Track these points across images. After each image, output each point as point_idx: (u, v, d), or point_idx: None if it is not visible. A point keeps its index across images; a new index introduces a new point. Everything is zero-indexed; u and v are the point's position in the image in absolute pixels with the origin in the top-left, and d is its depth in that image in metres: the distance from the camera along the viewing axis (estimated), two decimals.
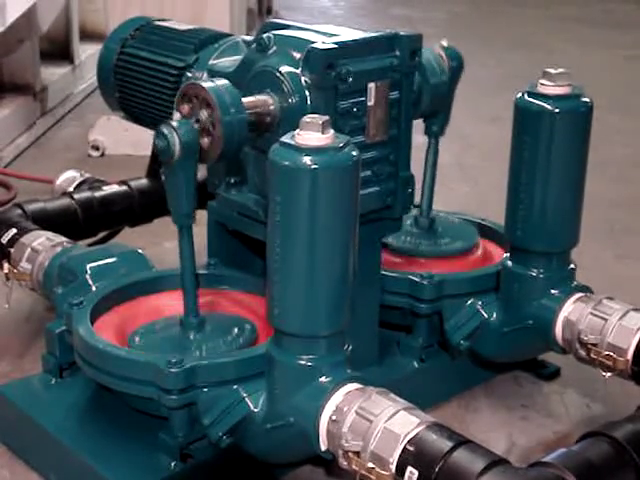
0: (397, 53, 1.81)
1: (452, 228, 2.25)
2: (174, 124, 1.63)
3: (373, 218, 1.86)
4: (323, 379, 1.51)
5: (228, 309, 1.91)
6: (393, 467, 1.41)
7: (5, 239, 2.17)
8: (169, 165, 1.65)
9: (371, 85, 1.77)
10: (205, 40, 2.09)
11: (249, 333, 1.79)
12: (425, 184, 2.18)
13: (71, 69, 4.45)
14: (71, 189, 2.52)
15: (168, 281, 1.93)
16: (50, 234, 2.15)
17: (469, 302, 2.00)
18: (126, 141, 3.58)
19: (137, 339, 1.79)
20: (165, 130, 1.63)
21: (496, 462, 1.38)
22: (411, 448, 1.40)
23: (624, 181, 3.55)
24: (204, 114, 1.66)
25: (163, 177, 1.69)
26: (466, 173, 3.62)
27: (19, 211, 2.29)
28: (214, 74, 1.89)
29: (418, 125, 1.95)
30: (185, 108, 1.67)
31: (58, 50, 4.48)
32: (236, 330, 1.79)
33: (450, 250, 2.17)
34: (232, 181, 1.90)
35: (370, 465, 1.43)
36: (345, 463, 1.48)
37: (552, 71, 1.82)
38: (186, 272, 1.74)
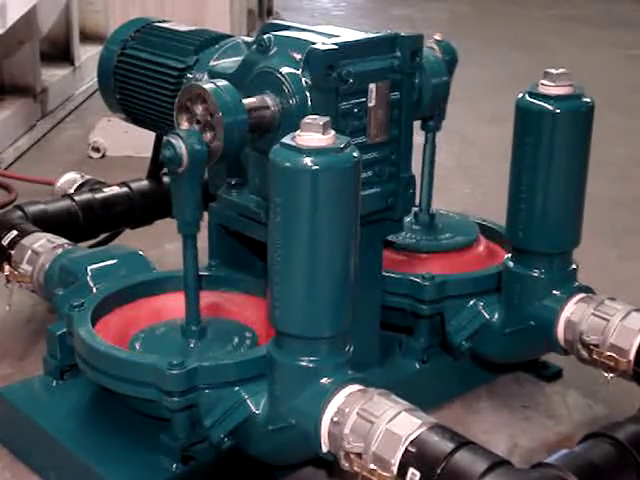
0: (398, 54, 1.81)
1: (452, 224, 2.25)
2: (182, 134, 1.63)
3: (374, 219, 1.86)
4: (324, 380, 1.51)
5: (229, 312, 1.90)
6: (395, 468, 1.41)
7: (6, 241, 2.17)
8: (176, 174, 1.64)
9: (372, 86, 1.77)
10: (205, 41, 2.09)
11: (249, 342, 1.79)
12: (423, 181, 2.18)
13: (71, 71, 4.45)
14: (72, 191, 2.52)
15: (169, 283, 1.93)
16: (51, 236, 2.15)
17: (471, 303, 2.00)
18: (126, 143, 3.58)
19: (137, 346, 1.79)
20: (173, 140, 1.62)
21: (498, 463, 1.38)
22: (413, 449, 1.40)
23: (625, 181, 3.55)
24: (199, 109, 1.66)
25: (170, 185, 1.68)
26: (467, 174, 3.62)
27: (20, 213, 2.30)
28: (215, 75, 1.88)
29: (416, 124, 1.95)
30: (188, 115, 1.67)
31: (58, 52, 4.48)
32: (236, 339, 1.79)
33: (451, 245, 2.17)
34: (233, 182, 1.90)
35: (372, 466, 1.43)
36: (347, 465, 1.48)
37: (553, 71, 1.82)
38: (189, 281, 1.74)
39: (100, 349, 1.70)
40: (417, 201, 2.07)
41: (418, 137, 1.95)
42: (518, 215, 1.90)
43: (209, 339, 1.78)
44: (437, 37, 2.06)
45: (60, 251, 2.07)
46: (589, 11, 7.00)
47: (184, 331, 1.78)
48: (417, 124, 1.98)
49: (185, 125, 1.68)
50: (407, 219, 2.13)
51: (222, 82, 1.70)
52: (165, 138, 1.64)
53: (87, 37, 4.85)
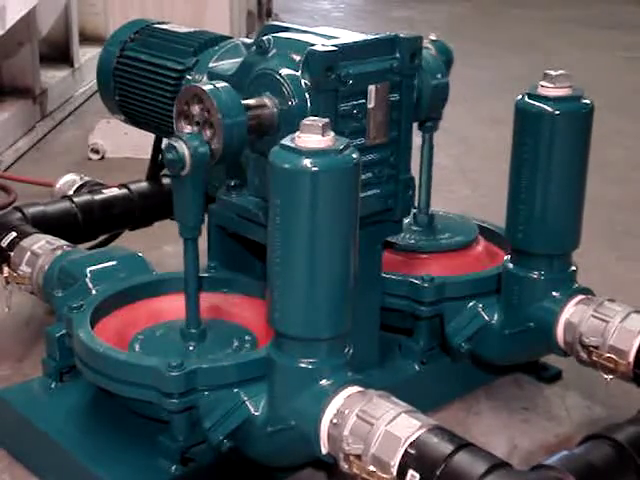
0: (397, 55, 1.81)
1: (451, 224, 2.25)
2: (185, 137, 1.63)
3: (374, 220, 1.86)
4: (324, 382, 1.51)
5: (228, 313, 1.90)
6: (394, 470, 1.41)
7: (5, 242, 2.17)
8: (178, 178, 1.64)
9: (371, 87, 1.77)
10: (205, 43, 2.09)
11: (249, 345, 1.79)
12: (422, 181, 2.18)
13: (71, 72, 4.45)
14: (71, 192, 2.52)
15: (168, 284, 1.93)
16: (50, 237, 2.15)
17: (470, 304, 2.00)
18: (126, 144, 3.58)
19: (137, 347, 1.79)
20: (175, 143, 1.62)
21: (497, 465, 1.38)
22: (412, 451, 1.40)
23: (625, 182, 3.55)
24: (196, 109, 1.66)
25: (171, 188, 1.68)
26: (467, 176, 3.61)
27: (19, 214, 2.29)
28: (214, 77, 1.88)
29: (415, 126, 1.95)
30: (188, 117, 1.67)
31: (58, 53, 4.48)
32: (236, 342, 1.79)
33: (450, 244, 2.16)
34: (232, 184, 1.90)
35: (371, 468, 1.43)
36: (346, 466, 1.48)
37: (552, 73, 1.82)
38: (189, 284, 1.74)
39: (99, 351, 1.70)
40: (416, 202, 2.07)
41: (416, 138, 1.95)
42: (518, 216, 1.89)
43: (209, 342, 1.78)
44: (432, 37, 2.06)
45: (59, 253, 2.07)
46: (589, 12, 7.00)
47: (184, 334, 1.78)
48: (415, 124, 1.98)
49: (185, 127, 1.68)
50: (406, 220, 2.13)
51: (221, 84, 1.69)
52: (167, 141, 1.64)
53: (86, 38, 4.85)
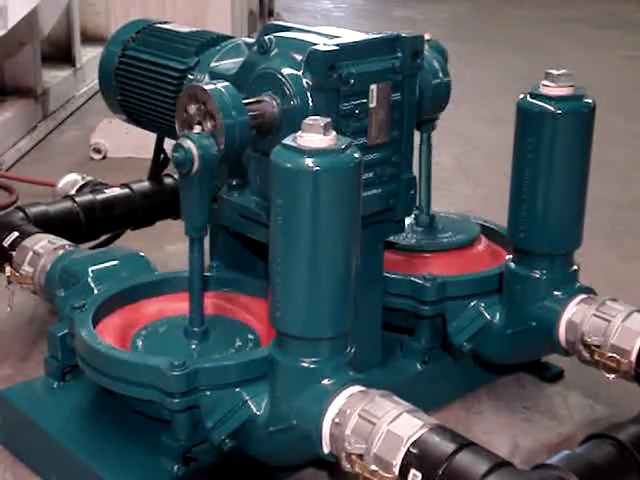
0: (399, 55, 1.81)
1: (452, 224, 2.25)
2: (194, 137, 1.63)
3: (375, 220, 1.86)
4: (326, 382, 1.51)
5: (232, 312, 1.90)
6: (396, 470, 1.41)
7: (7, 242, 2.17)
8: (186, 178, 1.64)
9: (373, 87, 1.77)
10: (206, 42, 2.09)
11: (252, 344, 1.79)
12: (421, 181, 2.18)
13: (73, 72, 4.45)
14: (73, 192, 2.52)
15: (170, 284, 1.93)
16: (52, 237, 2.15)
17: (472, 304, 2.00)
18: (128, 144, 3.58)
19: (140, 344, 1.79)
20: (184, 143, 1.62)
21: (499, 464, 1.38)
22: (414, 451, 1.40)
23: (627, 182, 3.55)
24: (192, 109, 1.66)
25: (178, 188, 1.68)
26: (468, 175, 3.61)
27: (21, 214, 2.30)
28: (216, 76, 1.89)
29: None
30: (192, 108, 1.67)
31: (60, 53, 4.48)
32: (239, 341, 1.79)
33: (452, 243, 2.16)
34: (234, 183, 1.90)
35: (373, 468, 1.43)
36: (348, 466, 1.48)
37: (554, 72, 1.82)
38: (194, 284, 1.74)
39: (101, 350, 1.70)
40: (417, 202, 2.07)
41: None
42: (519, 216, 1.89)
43: (212, 341, 1.78)
44: (427, 36, 2.06)
45: (61, 252, 2.07)
46: (590, 12, 7.00)
47: (187, 332, 1.78)
48: None
49: (194, 127, 1.67)
50: (408, 221, 2.13)
51: (223, 83, 1.70)
52: (176, 141, 1.64)
53: (88, 38, 4.85)
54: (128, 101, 2.23)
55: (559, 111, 1.80)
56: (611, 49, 5.77)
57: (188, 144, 1.62)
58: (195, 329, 1.77)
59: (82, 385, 1.90)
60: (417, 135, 2.09)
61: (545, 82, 1.83)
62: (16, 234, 2.18)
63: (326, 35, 1.81)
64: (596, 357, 1.81)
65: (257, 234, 1.85)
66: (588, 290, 1.91)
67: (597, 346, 1.80)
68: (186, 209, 1.68)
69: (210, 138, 1.64)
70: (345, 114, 1.74)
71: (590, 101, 1.84)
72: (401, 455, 1.41)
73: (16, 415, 1.88)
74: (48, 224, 2.28)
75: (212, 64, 2.01)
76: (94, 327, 1.77)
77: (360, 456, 1.45)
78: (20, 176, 3.37)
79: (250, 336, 1.81)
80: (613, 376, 1.80)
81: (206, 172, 1.63)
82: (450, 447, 1.39)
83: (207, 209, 1.68)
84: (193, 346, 1.76)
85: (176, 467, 1.67)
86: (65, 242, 2.13)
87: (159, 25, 2.28)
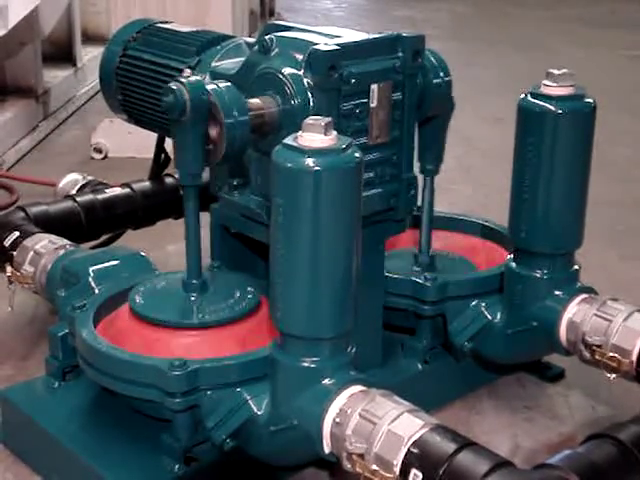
0: (400, 54, 1.81)
1: (451, 264, 2.19)
2: (184, 80, 1.62)
3: (376, 220, 1.86)
4: (327, 381, 1.51)
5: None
6: (397, 469, 1.41)
7: (8, 242, 2.17)
8: (178, 123, 1.63)
9: (374, 86, 1.77)
10: (207, 42, 2.09)
11: (251, 296, 1.79)
12: (422, 225, 2.11)
13: (73, 72, 4.45)
14: (74, 192, 2.52)
15: None
16: (53, 237, 2.15)
17: (473, 304, 2.00)
18: (129, 144, 3.58)
19: (137, 299, 1.80)
20: (174, 87, 1.62)
21: (500, 464, 1.38)
22: (415, 450, 1.40)
23: (628, 182, 3.55)
24: None
25: (172, 136, 1.68)
26: (469, 175, 3.61)
27: (22, 214, 2.30)
28: (216, 76, 1.88)
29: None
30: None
31: (60, 53, 4.48)
32: (238, 293, 1.80)
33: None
34: (235, 183, 1.90)
35: (374, 467, 1.43)
36: (349, 465, 1.48)
37: (555, 72, 1.82)
38: (190, 232, 1.74)
39: (102, 350, 1.70)
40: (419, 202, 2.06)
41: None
42: (520, 216, 1.89)
43: (210, 293, 1.79)
44: None
45: (62, 252, 2.07)
46: (591, 12, 7.00)
47: (185, 285, 1.78)
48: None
49: (188, 73, 1.67)
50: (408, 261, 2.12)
51: (224, 83, 1.70)
52: (167, 85, 1.64)
53: (89, 38, 4.86)
54: (129, 101, 2.23)
55: (560, 111, 1.80)
56: (612, 49, 5.77)
57: (179, 87, 1.61)
58: (194, 281, 1.77)
59: (83, 385, 1.90)
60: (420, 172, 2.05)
61: (546, 82, 1.83)
62: (17, 234, 2.18)
63: (327, 35, 1.81)
64: (597, 357, 1.81)
65: (258, 234, 1.85)
66: (589, 290, 1.91)
67: (598, 346, 1.80)
68: (179, 156, 1.67)
69: (201, 81, 1.64)
70: (346, 114, 1.74)
71: (591, 101, 1.84)
72: (402, 455, 1.41)
73: (17, 415, 1.88)
74: (49, 224, 2.28)
75: (213, 64, 2.01)
76: (95, 327, 1.77)
77: (361, 456, 1.45)
78: (21, 176, 3.38)
79: (249, 288, 1.81)
80: (614, 376, 1.80)
81: (198, 116, 1.63)
82: (451, 447, 1.39)
83: (201, 155, 1.67)
84: (192, 298, 1.77)
85: (177, 467, 1.67)
86: (66, 242, 2.13)
87: (160, 25, 2.28)
